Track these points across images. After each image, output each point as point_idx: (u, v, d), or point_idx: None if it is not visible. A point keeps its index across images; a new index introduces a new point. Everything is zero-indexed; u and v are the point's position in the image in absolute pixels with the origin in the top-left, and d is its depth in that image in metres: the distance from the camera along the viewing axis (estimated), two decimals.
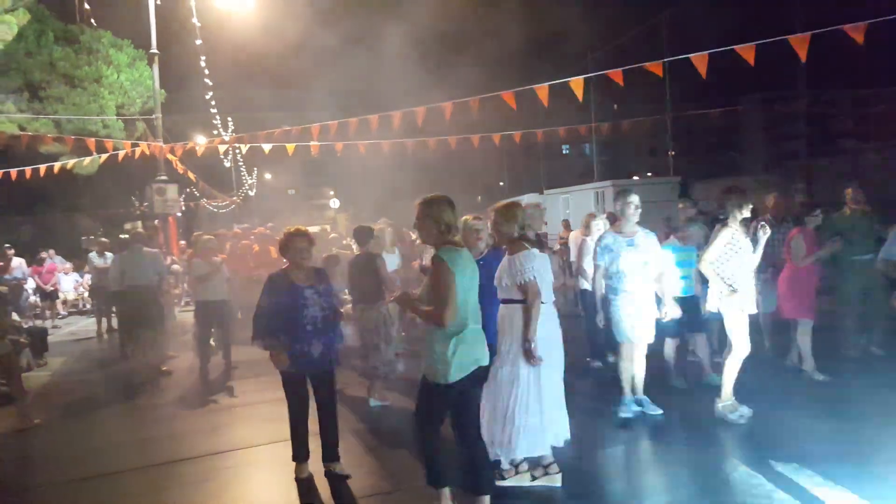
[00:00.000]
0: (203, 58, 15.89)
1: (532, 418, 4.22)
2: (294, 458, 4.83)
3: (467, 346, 3.62)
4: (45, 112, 15.59)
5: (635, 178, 28.17)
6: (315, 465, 4.92)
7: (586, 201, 20.03)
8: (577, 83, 9.39)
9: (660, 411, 5.73)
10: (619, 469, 4.89)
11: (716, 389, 5.74)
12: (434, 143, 13.85)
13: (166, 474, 5.23)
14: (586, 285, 7.41)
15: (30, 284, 14.64)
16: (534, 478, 4.38)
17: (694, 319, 6.39)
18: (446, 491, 3.85)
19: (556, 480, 4.36)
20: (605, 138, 25.64)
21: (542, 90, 9.69)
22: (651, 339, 5.73)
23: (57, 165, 15.26)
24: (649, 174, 30.12)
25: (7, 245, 14.24)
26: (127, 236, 9.58)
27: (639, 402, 5.79)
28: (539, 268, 4.22)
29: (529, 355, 4.15)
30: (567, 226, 14.90)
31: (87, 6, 13.97)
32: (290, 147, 14.62)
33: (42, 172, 15.07)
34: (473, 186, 51.79)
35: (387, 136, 13.91)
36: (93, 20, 15.30)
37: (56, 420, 7.03)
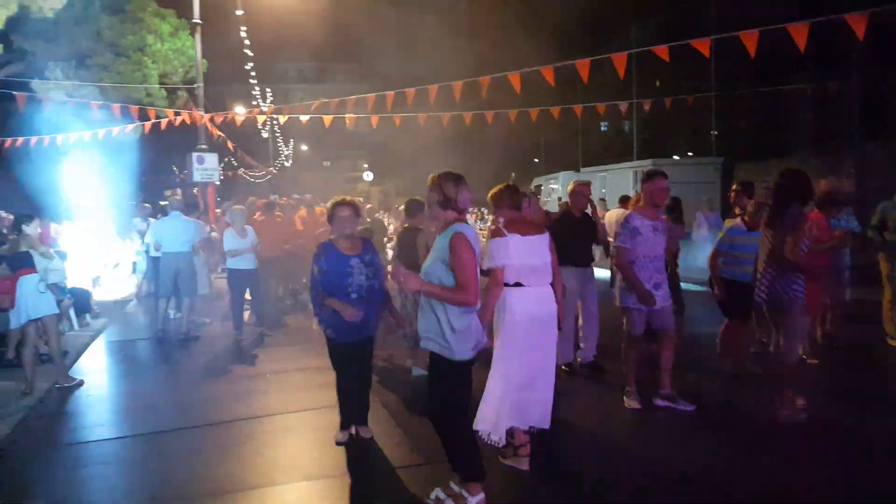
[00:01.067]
0: (244, 28, 15.98)
1: (511, 395, 4.24)
2: (341, 424, 4.99)
3: (476, 322, 3.72)
4: (90, 80, 15.87)
5: (675, 157, 27.46)
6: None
7: (624, 180, 19.73)
8: (619, 59, 9.16)
9: (691, 407, 5.49)
10: (595, 457, 4.73)
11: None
12: (469, 118, 13.73)
13: (202, 437, 5.37)
14: None
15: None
16: (504, 455, 4.44)
17: (745, 306, 6.07)
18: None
19: (523, 463, 4.38)
20: (646, 116, 25.12)
21: (584, 66, 9.48)
22: (672, 326, 5.59)
23: (101, 131, 15.56)
24: (690, 154, 29.36)
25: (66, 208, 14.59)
26: (166, 203, 9.75)
27: (667, 397, 5.60)
28: (517, 252, 4.21)
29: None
30: (603, 205, 14.67)
31: None
32: (328, 119, 14.67)
33: (87, 138, 15.38)
34: (508, 162, 51.33)
35: (422, 109, 13.84)
36: None
37: (96, 379, 7.26)
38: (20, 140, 15.27)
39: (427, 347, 3.75)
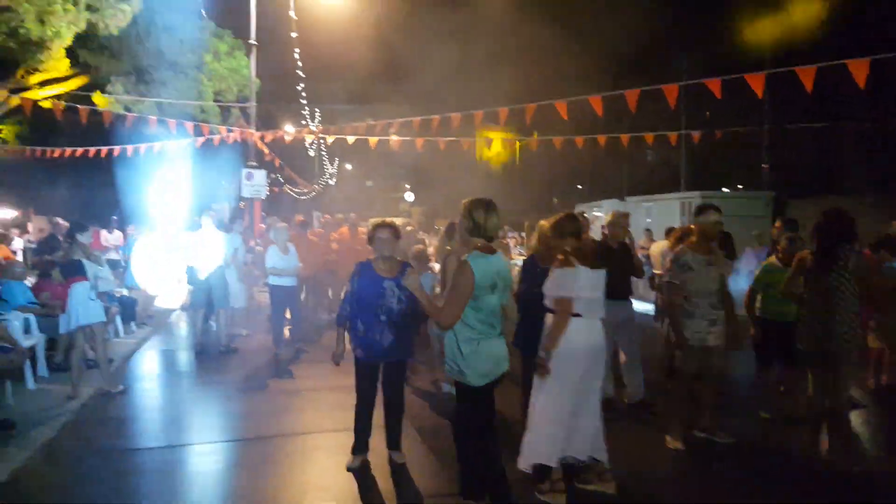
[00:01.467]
0: (297, 50, 16.37)
1: (565, 424, 4.26)
2: (353, 449, 4.94)
3: (489, 351, 3.81)
4: (149, 95, 16.41)
5: (724, 189, 26.88)
6: (376, 459, 5.02)
7: (671, 211, 19.37)
8: (670, 90, 9.08)
9: (731, 440, 5.45)
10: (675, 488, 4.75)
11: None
12: (515, 143, 13.74)
13: (237, 451, 5.46)
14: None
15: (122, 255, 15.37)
16: (586, 481, 4.47)
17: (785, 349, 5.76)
18: None
19: (609, 487, 4.43)
20: (695, 146, 24.78)
21: (633, 95, 9.41)
22: (721, 363, 5.48)
23: (157, 145, 16.07)
24: (740, 186, 28.75)
25: (114, 217, 15.07)
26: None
27: (707, 430, 5.53)
28: (585, 284, 4.24)
29: (541, 366, 4.25)
30: (649, 236, 14.45)
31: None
32: (373, 140, 14.85)
33: (142, 151, 15.90)
34: (550, 187, 51.11)
35: (468, 133, 13.92)
36: (203, 11, 15.98)
37: (138, 387, 7.41)
38: (80, 150, 15.86)
39: (446, 369, 3.95)
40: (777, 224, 6.96)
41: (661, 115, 18.22)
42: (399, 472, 4.87)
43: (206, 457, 5.31)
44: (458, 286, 3.72)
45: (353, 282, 4.76)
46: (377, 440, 5.05)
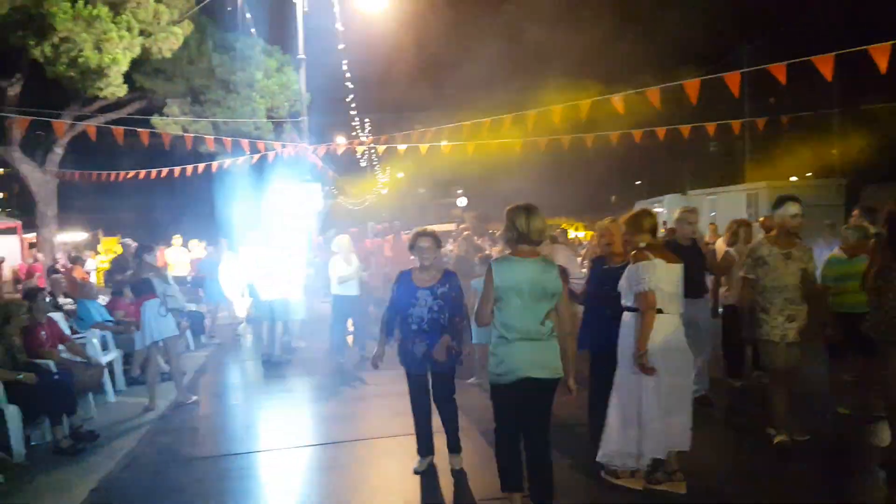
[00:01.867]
0: (345, 62, 16.63)
1: (655, 423, 4.23)
2: (418, 451, 5.04)
3: (507, 353, 3.82)
4: (204, 115, 16.92)
5: (793, 178, 25.80)
6: (444, 463, 5.04)
7: (736, 204, 18.81)
8: (732, 79, 8.75)
9: (806, 437, 5.28)
10: (750, 487, 4.62)
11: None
12: (568, 142, 13.56)
13: (307, 457, 5.57)
14: (731, 299, 6.97)
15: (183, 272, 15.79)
16: (657, 482, 4.39)
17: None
18: (516, 497, 4.00)
19: (680, 487, 4.34)
20: (760, 134, 24.02)
21: (693, 87, 9.13)
22: (797, 360, 5.22)
23: (215, 164, 16.53)
24: (809, 174, 27.56)
25: (178, 235, 15.56)
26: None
27: (783, 427, 5.33)
28: (662, 278, 4.21)
29: (641, 366, 4.19)
30: (714, 230, 14.00)
31: (248, 15, 14.99)
32: (423, 148, 14.94)
33: (201, 170, 16.39)
34: (607, 184, 50.40)
35: (519, 134, 13.83)
36: (252, 30, 16.39)
37: (210, 398, 7.63)
38: (143, 173, 16.46)
39: None
40: (855, 212, 6.65)
41: (723, 103, 17.74)
42: (462, 476, 4.89)
43: (278, 462, 5.46)
44: (484, 289, 3.90)
45: (392, 290, 4.88)
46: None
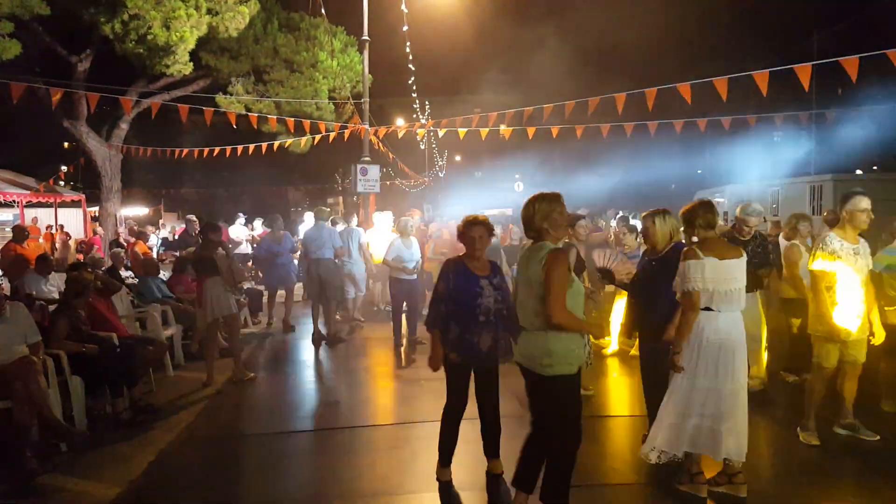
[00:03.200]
0: (408, 43, 16.50)
1: (671, 418, 4.17)
2: (443, 462, 4.58)
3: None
4: (267, 94, 17.05)
5: (858, 171, 24.74)
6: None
7: (799, 196, 18.08)
8: (803, 70, 8.36)
9: (876, 437, 5.09)
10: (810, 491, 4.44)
11: None
12: (630, 129, 13.17)
13: (361, 437, 5.53)
14: (792, 293, 6.72)
15: (245, 249, 16.07)
16: (716, 483, 4.24)
17: None
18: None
19: (741, 490, 4.15)
20: (827, 125, 22.97)
21: (762, 77, 8.75)
22: (863, 357, 5.10)
23: (276, 144, 16.71)
24: (875, 168, 26.37)
25: (241, 213, 15.83)
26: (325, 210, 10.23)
27: (849, 426, 5.22)
28: (714, 276, 4.03)
29: (673, 363, 4.15)
30: (777, 224, 13.48)
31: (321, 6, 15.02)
32: (484, 132, 14.74)
33: (264, 150, 16.57)
34: (666, 173, 49.17)
35: (580, 120, 13.50)
36: (323, 11, 16.40)
37: (266, 375, 7.66)
38: (206, 151, 16.73)
39: None
40: None
41: (789, 91, 16.97)
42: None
43: (332, 441, 5.42)
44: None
45: (446, 281, 4.45)
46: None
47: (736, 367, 4.11)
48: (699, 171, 46.96)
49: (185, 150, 17.25)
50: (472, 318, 4.36)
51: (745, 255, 4.23)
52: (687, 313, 4.10)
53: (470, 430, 4.54)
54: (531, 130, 14.33)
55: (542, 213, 3.80)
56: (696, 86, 9.71)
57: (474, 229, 4.48)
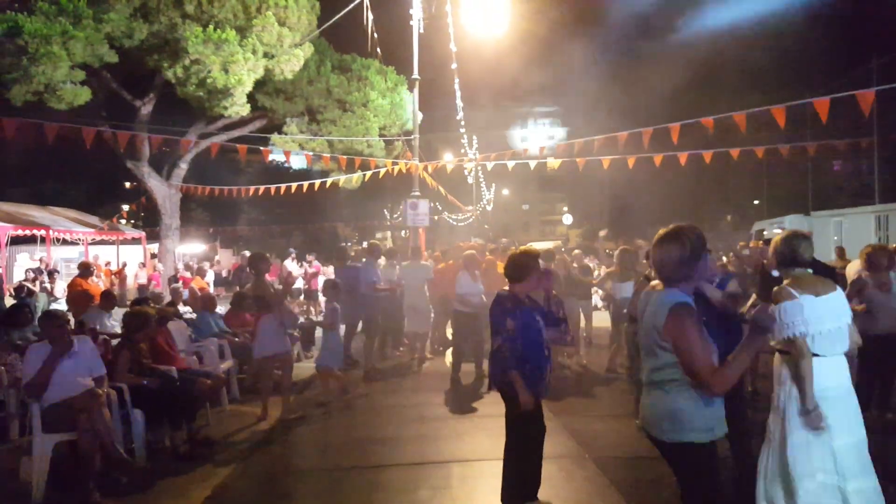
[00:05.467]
0: (457, 80, 16.76)
1: (805, 481, 3.52)
2: (531, 497, 4.49)
3: None
4: (320, 133, 17.50)
5: None
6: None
7: (864, 226, 17.45)
8: (864, 97, 8.16)
9: None
10: None
11: None
12: (685, 158, 12.98)
13: (417, 475, 5.43)
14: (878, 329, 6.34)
15: (298, 284, 16.34)
16: None
17: None
18: None
19: None
20: (890, 152, 22.22)
21: (822, 106, 8.54)
22: None
23: (329, 181, 17.07)
24: None
25: (292, 248, 16.16)
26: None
27: None
28: (813, 317, 3.53)
29: (811, 421, 3.52)
30: (841, 254, 12.98)
31: (375, 35, 15.40)
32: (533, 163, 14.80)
33: (317, 187, 16.94)
34: (722, 204, 48.31)
35: (634, 151, 13.40)
36: (379, 49, 16.80)
37: (318, 411, 7.64)
38: (262, 189, 17.20)
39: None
40: None
41: (848, 119, 16.54)
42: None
43: (386, 479, 5.36)
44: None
45: (514, 318, 4.34)
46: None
47: (846, 421, 3.61)
48: (756, 202, 45.90)
49: (244, 189, 17.79)
50: (541, 352, 4.37)
51: (837, 288, 3.72)
52: (800, 362, 3.56)
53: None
54: (581, 162, 14.28)
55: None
56: (753, 114, 9.57)
57: (533, 261, 4.48)
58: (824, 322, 3.57)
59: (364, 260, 10.16)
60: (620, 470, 5.31)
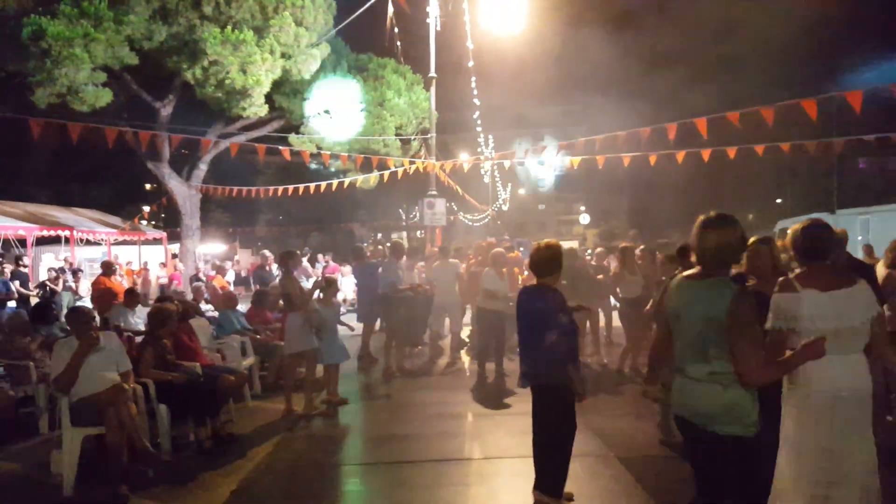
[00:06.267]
0: (473, 79, 16.75)
1: (779, 483, 3.37)
2: (559, 495, 4.47)
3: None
4: (337, 134, 17.56)
5: None
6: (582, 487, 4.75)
7: (892, 224, 17.17)
8: None
9: None
10: None
11: None
12: (707, 155, 12.82)
13: (439, 472, 5.44)
14: None
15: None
16: None
17: None
18: None
19: None
20: None
21: (856, 97, 8.40)
22: None
23: (347, 181, 17.13)
24: None
25: (306, 249, 16.25)
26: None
27: None
28: (814, 312, 3.25)
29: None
30: (869, 252, 12.67)
31: (395, 30, 15.42)
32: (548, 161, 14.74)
33: (334, 187, 17.00)
34: (742, 203, 47.95)
35: (654, 148, 13.28)
36: (399, 44, 16.79)
37: (343, 407, 7.64)
38: (280, 189, 17.29)
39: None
40: None
41: (880, 117, 16.30)
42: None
43: (409, 475, 5.38)
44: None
45: (566, 312, 4.36)
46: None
47: (859, 422, 3.31)
48: (778, 200, 45.50)
49: (262, 189, 17.90)
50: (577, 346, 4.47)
51: (856, 283, 3.33)
52: (772, 356, 3.26)
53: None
54: (600, 159, 14.12)
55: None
56: (781, 109, 9.41)
57: (559, 255, 4.50)
58: (828, 319, 3.27)
59: (386, 259, 10.14)
60: (646, 469, 5.28)
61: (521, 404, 7.40)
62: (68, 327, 5.76)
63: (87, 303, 12.70)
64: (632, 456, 5.59)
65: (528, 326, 4.51)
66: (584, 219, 58.66)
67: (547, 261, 4.48)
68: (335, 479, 5.43)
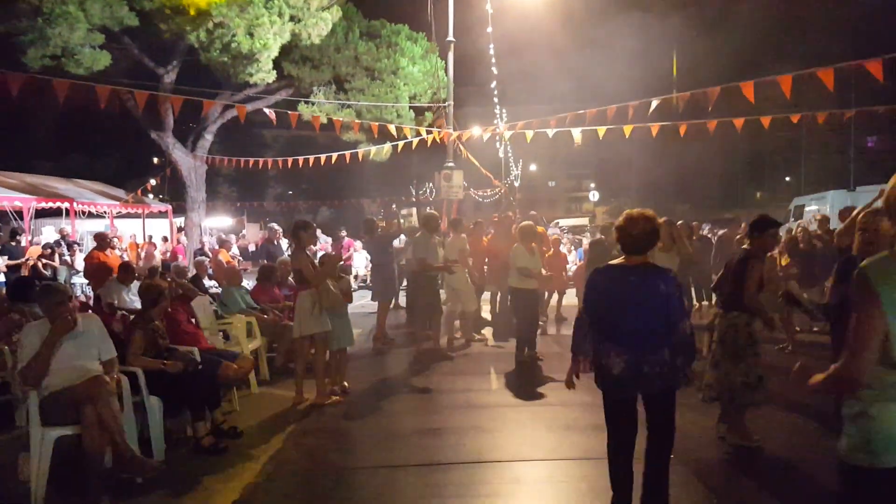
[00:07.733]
0: (491, 45, 15.87)
1: None
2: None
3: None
4: (348, 102, 16.74)
5: None
6: None
7: None
8: None
9: None
10: None
11: None
12: (715, 127, 12.01)
13: (469, 476, 4.71)
14: None
15: None
16: None
17: None
18: None
19: None
20: None
21: (876, 66, 7.65)
22: None
23: (361, 152, 16.36)
24: None
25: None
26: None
27: None
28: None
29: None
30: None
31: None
32: (549, 133, 13.87)
33: (348, 158, 16.24)
34: (751, 180, 47.03)
35: (664, 119, 12.47)
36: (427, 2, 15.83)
37: (354, 396, 6.96)
38: (290, 161, 16.54)
39: None
40: None
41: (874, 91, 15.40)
42: None
43: (436, 480, 4.66)
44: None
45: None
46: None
47: None
48: (787, 178, 44.56)
49: (269, 161, 17.15)
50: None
51: None
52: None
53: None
54: (601, 131, 13.19)
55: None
56: (799, 79, 8.65)
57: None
58: None
59: (419, 234, 9.32)
60: (711, 470, 4.65)
61: (557, 394, 6.74)
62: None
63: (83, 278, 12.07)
64: (695, 458, 4.84)
65: (651, 314, 3.61)
66: (594, 196, 57.81)
67: (648, 233, 3.67)
68: (354, 485, 4.65)
